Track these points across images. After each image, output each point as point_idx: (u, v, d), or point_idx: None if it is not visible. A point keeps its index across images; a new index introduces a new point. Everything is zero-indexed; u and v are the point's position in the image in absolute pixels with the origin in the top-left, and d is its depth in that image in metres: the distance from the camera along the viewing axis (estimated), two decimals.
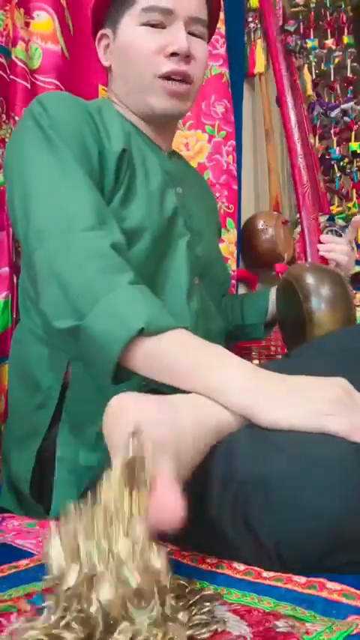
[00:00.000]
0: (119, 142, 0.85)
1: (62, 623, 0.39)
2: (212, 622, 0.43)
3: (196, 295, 0.90)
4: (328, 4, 2.45)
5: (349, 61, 2.42)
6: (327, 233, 1.14)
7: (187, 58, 0.87)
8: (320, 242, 1.11)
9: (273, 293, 1.11)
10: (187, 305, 0.88)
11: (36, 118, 0.79)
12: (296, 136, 1.18)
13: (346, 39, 2.41)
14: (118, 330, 0.62)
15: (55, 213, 0.71)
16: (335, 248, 1.09)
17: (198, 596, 0.46)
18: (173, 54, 0.85)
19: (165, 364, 0.63)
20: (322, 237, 1.11)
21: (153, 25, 0.85)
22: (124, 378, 0.66)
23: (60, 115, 0.80)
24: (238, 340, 1.22)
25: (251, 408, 0.59)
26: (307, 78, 2.37)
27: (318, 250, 1.11)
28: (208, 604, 0.45)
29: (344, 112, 2.40)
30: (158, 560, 0.43)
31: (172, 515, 0.45)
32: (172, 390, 0.63)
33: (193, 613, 0.43)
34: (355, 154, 2.39)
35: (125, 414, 0.57)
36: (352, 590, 0.49)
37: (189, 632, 0.41)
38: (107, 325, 0.63)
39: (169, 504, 0.45)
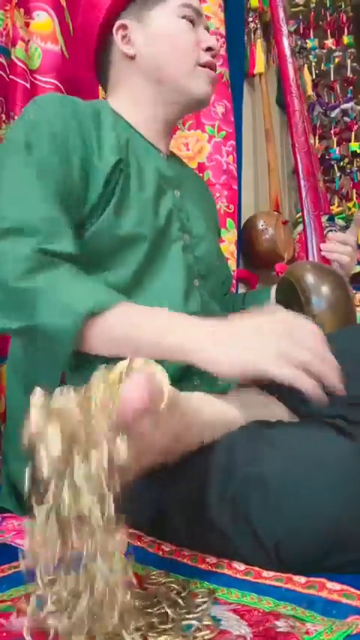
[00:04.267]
0: (113, 151, 0.84)
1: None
2: (203, 627, 0.43)
3: (195, 297, 0.90)
4: (328, 4, 2.45)
5: (349, 61, 2.42)
6: (327, 233, 1.13)
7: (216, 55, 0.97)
8: (323, 241, 1.11)
9: (274, 291, 1.10)
10: (185, 308, 0.87)
11: (24, 118, 0.81)
12: (300, 135, 1.17)
13: (346, 39, 2.41)
14: (65, 319, 0.64)
15: (6, 215, 0.73)
16: (337, 248, 1.09)
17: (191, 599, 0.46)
18: (208, 49, 0.93)
19: (119, 338, 0.66)
20: (329, 235, 1.11)
21: (191, 21, 0.93)
22: (85, 363, 0.67)
23: (48, 119, 0.80)
24: None
25: (199, 363, 0.62)
26: (307, 78, 2.37)
27: (320, 250, 1.11)
28: (204, 600, 0.46)
29: (344, 112, 2.40)
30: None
31: (136, 398, 0.46)
32: None
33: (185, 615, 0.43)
34: (355, 154, 2.40)
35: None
36: (352, 590, 0.49)
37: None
38: (54, 317, 0.65)
39: (134, 387, 0.47)
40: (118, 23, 0.92)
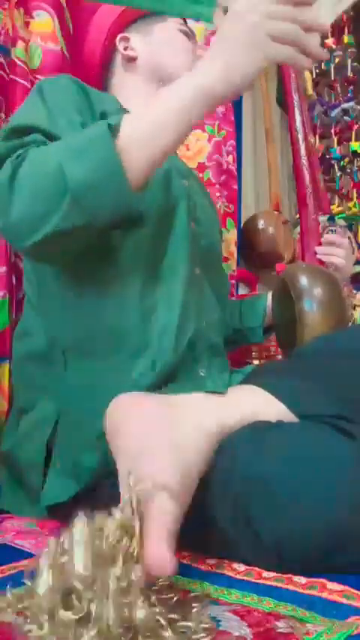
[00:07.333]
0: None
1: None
2: (202, 629, 0.42)
3: (195, 285, 0.89)
4: None
5: (349, 60, 2.42)
6: (327, 233, 1.13)
7: None
8: (320, 244, 1.11)
9: (271, 296, 1.11)
10: (187, 292, 0.86)
11: (39, 85, 0.88)
12: (300, 137, 1.18)
13: (346, 38, 2.41)
14: (98, 154, 0.67)
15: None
16: (334, 251, 1.09)
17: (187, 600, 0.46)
18: None
19: (147, 134, 0.68)
20: (324, 237, 1.11)
21: (187, 36, 1.03)
22: (141, 184, 0.70)
23: (61, 84, 0.88)
24: (238, 345, 1.22)
25: (221, 87, 0.67)
26: (308, 77, 2.37)
27: (316, 253, 1.11)
28: (196, 605, 0.45)
29: (345, 112, 2.40)
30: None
31: (163, 565, 0.44)
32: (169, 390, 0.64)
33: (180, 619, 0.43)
34: (355, 153, 2.39)
35: (127, 417, 0.58)
36: (353, 590, 0.49)
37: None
38: (88, 164, 0.66)
39: (159, 554, 0.45)
40: (120, 35, 1.00)
